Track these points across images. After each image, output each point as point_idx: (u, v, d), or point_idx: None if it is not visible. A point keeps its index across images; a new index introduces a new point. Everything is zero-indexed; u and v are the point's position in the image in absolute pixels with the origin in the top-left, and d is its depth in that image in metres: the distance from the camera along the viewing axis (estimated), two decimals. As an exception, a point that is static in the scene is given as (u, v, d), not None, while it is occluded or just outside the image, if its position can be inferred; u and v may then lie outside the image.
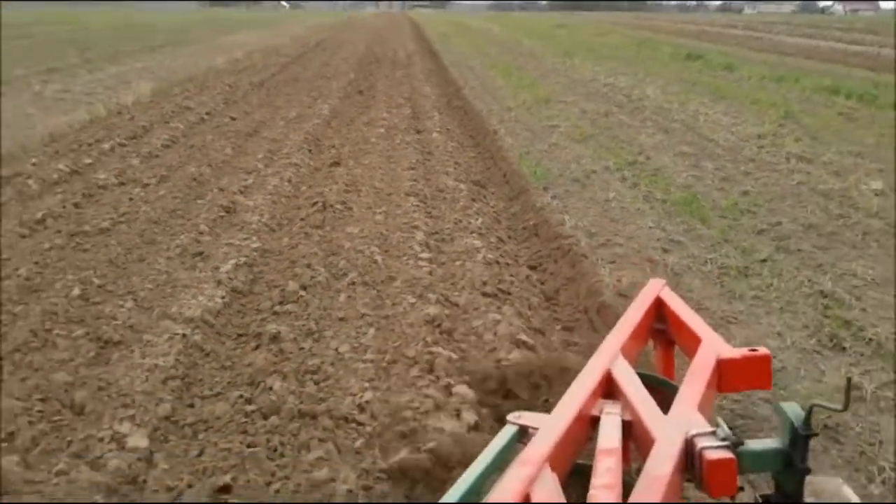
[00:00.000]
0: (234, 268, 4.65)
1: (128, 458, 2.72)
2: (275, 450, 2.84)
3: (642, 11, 70.12)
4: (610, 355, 2.04)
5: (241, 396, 3.22)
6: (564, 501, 1.48)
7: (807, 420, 1.74)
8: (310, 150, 8.18)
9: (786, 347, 3.74)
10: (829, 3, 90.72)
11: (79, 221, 5.64)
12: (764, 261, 4.90)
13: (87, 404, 3.12)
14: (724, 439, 1.59)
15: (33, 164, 7.28)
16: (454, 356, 3.54)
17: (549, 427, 1.71)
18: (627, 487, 1.49)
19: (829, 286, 4.43)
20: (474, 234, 5.36)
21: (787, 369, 3.50)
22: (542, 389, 3.08)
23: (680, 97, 11.93)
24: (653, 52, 21.26)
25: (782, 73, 15.48)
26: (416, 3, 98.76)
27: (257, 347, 3.70)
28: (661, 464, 1.54)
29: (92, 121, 9.84)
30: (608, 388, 1.95)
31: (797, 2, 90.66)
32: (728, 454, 1.55)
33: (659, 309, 2.44)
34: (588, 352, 3.53)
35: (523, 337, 3.70)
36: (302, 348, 3.69)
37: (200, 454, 2.83)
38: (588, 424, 1.83)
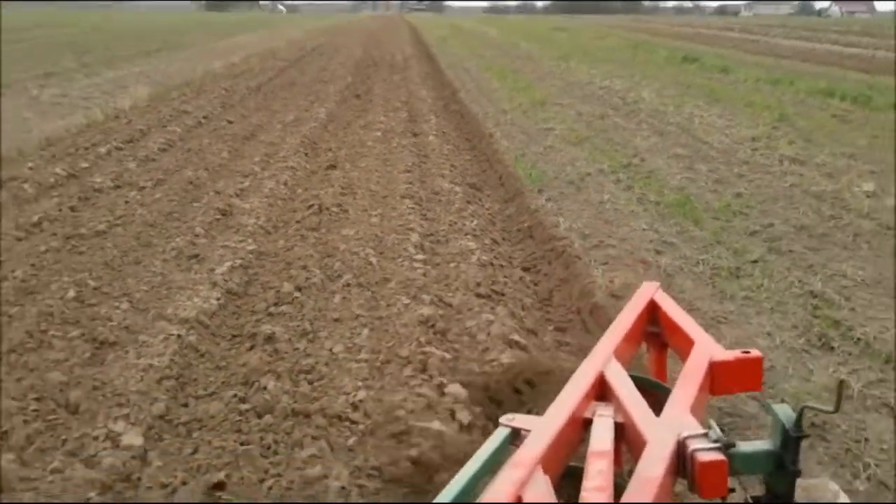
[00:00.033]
0: (229, 270, 4.68)
1: (122, 455, 2.75)
2: (268, 447, 2.87)
3: (639, 14, 70.30)
4: (603, 358, 2.05)
5: (235, 396, 3.25)
6: (556, 503, 1.49)
7: (798, 422, 1.75)
8: (306, 154, 8.21)
9: (775, 347, 3.77)
10: (826, 5, 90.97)
11: (75, 224, 5.67)
12: (755, 262, 4.93)
13: (82, 403, 3.16)
14: (715, 441, 1.60)
15: (30, 168, 7.30)
16: (447, 356, 3.57)
17: (542, 429, 1.71)
18: (619, 489, 1.50)
19: (819, 287, 4.47)
20: (469, 236, 5.40)
21: (775, 368, 3.53)
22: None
23: (675, 100, 11.98)
24: (649, 54, 21.32)
25: (777, 75, 15.54)
26: (412, 6, 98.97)
27: (252, 348, 3.73)
28: (652, 465, 1.54)
29: (89, 125, 9.87)
30: (601, 391, 1.95)
31: (794, 1, 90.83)
32: (719, 456, 1.57)
33: (652, 312, 2.45)
34: (579, 352, 3.59)
35: (516, 337, 3.73)
36: (296, 348, 3.72)
37: (195, 452, 2.86)
38: (580, 426, 1.83)
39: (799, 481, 1.82)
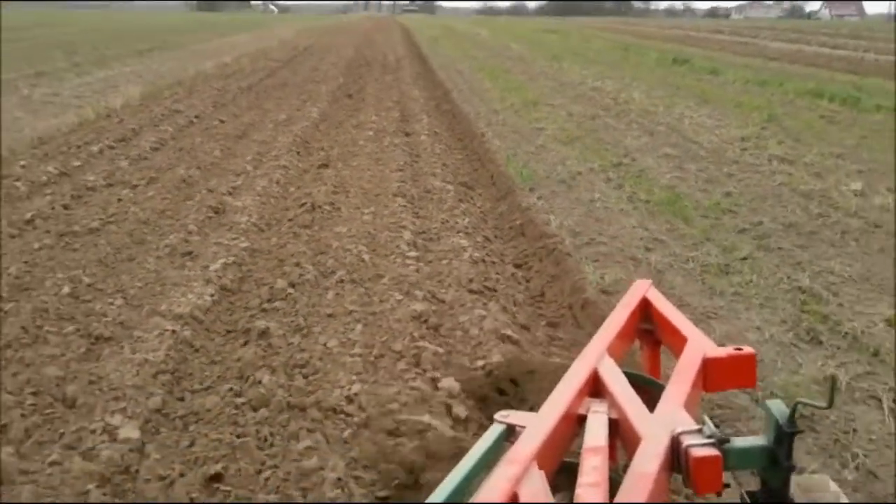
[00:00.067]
0: (223, 266, 4.70)
1: (120, 448, 2.77)
2: (265, 440, 2.90)
3: (630, 16, 70.54)
4: (597, 355, 2.05)
5: (230, 390, 3.28)
6: (552, 500, 1.49)
7: (791, 418, 1.76)
8: (298, 153, 8.23)
9: (764, 341, 3.83)
10: (816, 7, 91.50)
11: (68, 222, 5.68)
12: (744, 259, 4.99)
13: (79, 398, 3.17)
14: (709, 437, 1.61)
15: (22, 167, 7.29)
16: (440, 350, 3.61)
17: (537, 426, 1.71)
18: (614, 485, 1.50)
19: (807, 283, 4.53)
20: (461, 234, 5.43)
21: (765, 362, 3.58)
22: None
23: (665, 101, 12.06)
24: (640, 56, 21.44)
25: (766, 77, 15.66)
26: (404, 6, 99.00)
27: (246, 343, 3.75)
28: (647, 462, 1.54)
29: (81, 124, 9.85)
30: (595, 387, 1.96)
31: (784, 2, 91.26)
32: (714, 451, 1.57)
33: (645, 309, 2.46)
34: (570, 347, 3.64)
35: (508, 332, 3.78)
36: (290, 343, 3.74)
37: (192, 445, 2.89)
38: (575, 423, 1.83)
39: (797, 478, 1.83)
